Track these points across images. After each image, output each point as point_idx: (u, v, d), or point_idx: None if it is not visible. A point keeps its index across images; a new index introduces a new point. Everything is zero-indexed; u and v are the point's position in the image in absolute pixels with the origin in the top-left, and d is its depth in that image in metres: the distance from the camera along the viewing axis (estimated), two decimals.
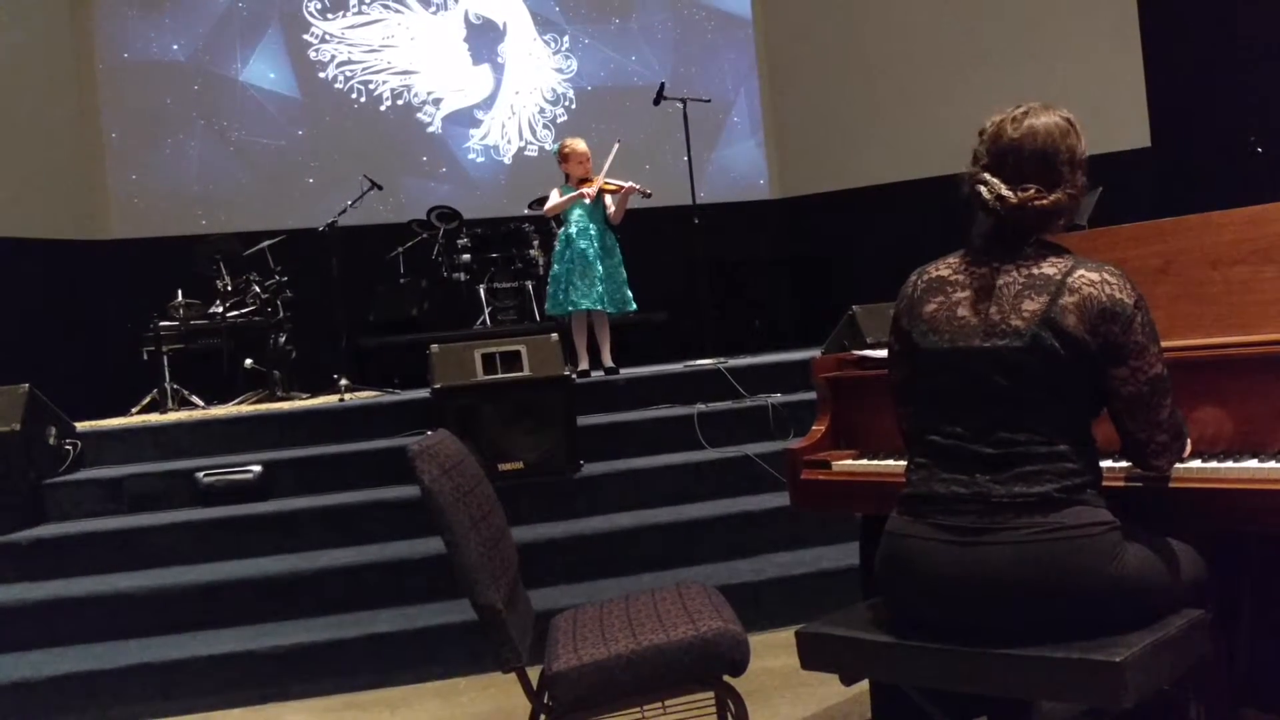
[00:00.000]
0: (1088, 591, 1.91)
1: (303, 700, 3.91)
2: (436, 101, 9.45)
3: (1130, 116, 8.28)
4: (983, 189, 2.06)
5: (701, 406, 5.40)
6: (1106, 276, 1.99)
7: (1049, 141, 2.07)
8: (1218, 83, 7.80)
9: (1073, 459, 1.97)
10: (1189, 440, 2.10)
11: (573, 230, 6.26)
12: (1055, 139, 2.08)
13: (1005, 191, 2.05)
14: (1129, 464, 2.13)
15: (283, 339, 7.04)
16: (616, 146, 6.44)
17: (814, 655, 2.20)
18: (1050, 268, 2.02)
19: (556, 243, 6.43)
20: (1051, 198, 2.05)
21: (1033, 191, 2.04)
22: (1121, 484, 2.13)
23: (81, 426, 5.38)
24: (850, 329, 5.19)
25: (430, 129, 9.44)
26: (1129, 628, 1.92)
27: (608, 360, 6.37)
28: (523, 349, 4.97)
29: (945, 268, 2.14)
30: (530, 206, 8.48)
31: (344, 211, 7.13)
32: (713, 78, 9.85)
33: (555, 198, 6.37)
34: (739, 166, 10.03)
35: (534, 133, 9.69)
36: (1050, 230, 2.11)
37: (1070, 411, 1.99)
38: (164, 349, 6.73)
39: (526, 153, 9.65)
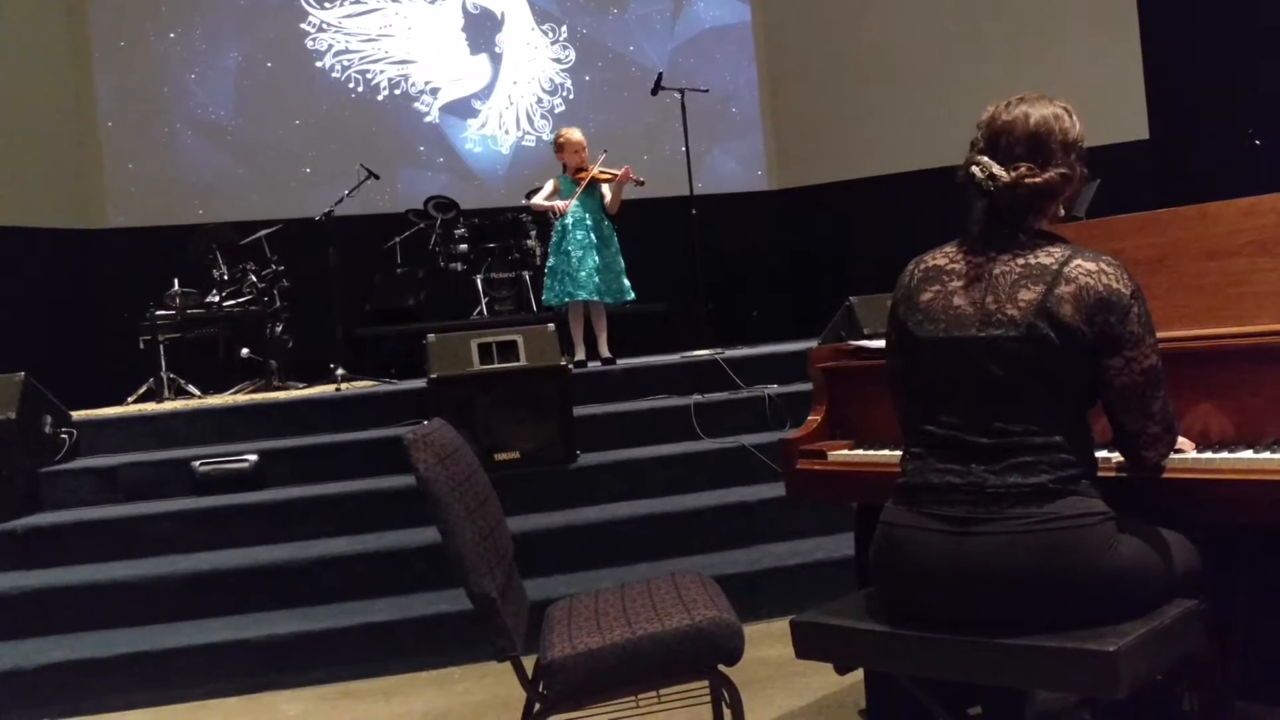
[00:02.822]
0: (1082, 581, 1.91)
1: (298, 689, 3.91)
2: (434, 91, 9.43)
3: (1128, 108, 8.27)
4: (976, 169, 2.07)
5: (698, 397, 5.40)
6: (1104, 266, 1.99)
7: (1042, 122, 2.08)
8: (1216, 75, 7.79)
9: (1068, 449, 1.96)
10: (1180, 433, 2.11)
11: (570, 220, 6.26)
12: (1049, 120, 2.08)
13: (998, 170, 2.05)
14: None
15: (279, 328, 7.04)
16: (603, 156, 6.41)
17: (809, 645, 2.21)
18: (1047, 257, 2.02)
19: (554, 233, 6.43)
20: (1044, 176, 2.05)
21: (1024, 169, 2.04)
22: (1116, 474, 2.13)
23: (77, 415, 5.38)
24: (847, 320, 5.20)
25: (428, 119, 9.42)
26: (1123, 618, 1.92)
27: (604, 351, 6.37)
28: (519, 339, 4.96)
29: (942, 257, 2.14)
30: (527, 197, 8.46)
31: (341, 201, 7.12)
32: (711, 69, 9.82)
33: (549, 188, 6.40)
34: (737, 158, 10.00)
35: (531, 123, 9.67)
36: (1045, 213, 2.11)
37: (1066, 402, 1.99)
38: (160, 338, 6.72)
39: (524, 143, 9.63)
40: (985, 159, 2.07)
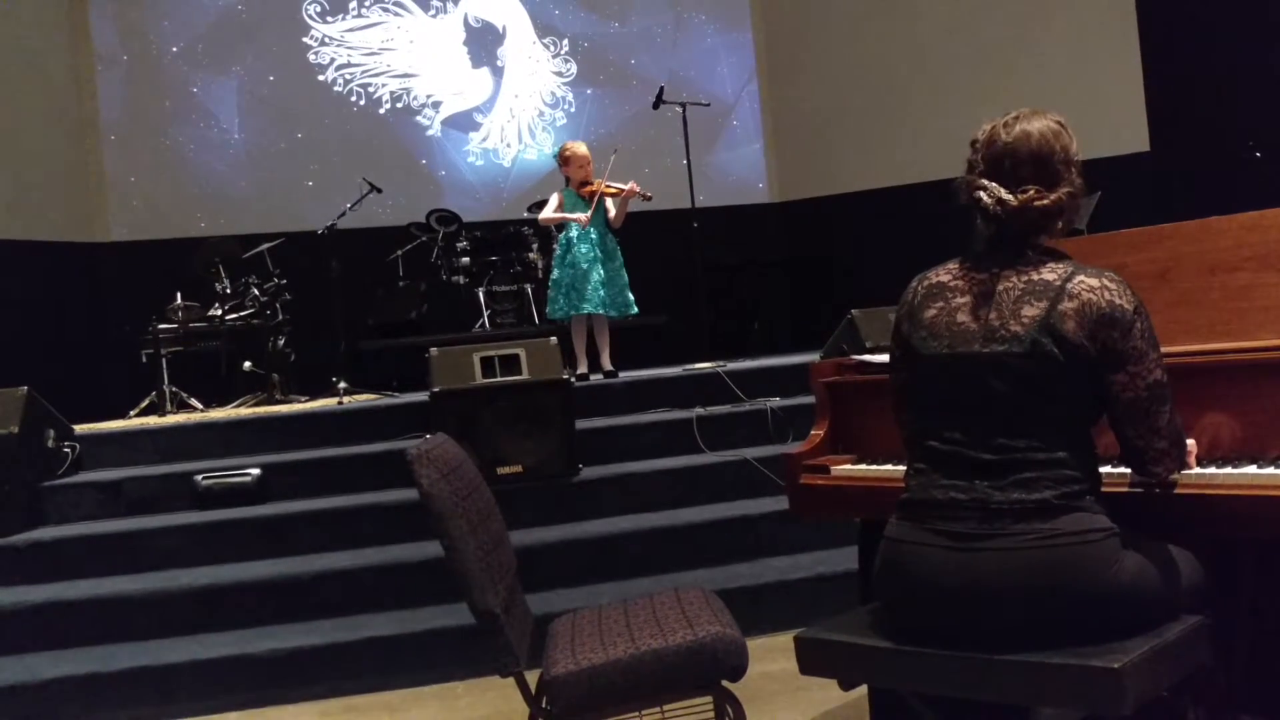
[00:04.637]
0: (1086, 598, 1.91)
1: (300, 704, 3.90)
2: (436, 105, 9.45)
3: (1129, 121, 8.28)
4: (983, 195, 2.06)
5: (700, 410, 5.39)
6: (1106, 282, 1.99)
7: (1043, 142, 2.08)
8: (1216, 87, 7.81)
9: (1072, 465, 1.96)
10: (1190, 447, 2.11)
11: (573, 234, 6.26)
12: (1049, 139, 2.09)
13: (1006, 195, 2.05)
14: (1129, 470, 2.13)
15: (281, 342, 7.04)
16: (614, 155, 6.43)
17: (812, 660, 2.20)
18: (1050, 273, 2.02)
19: (557, 246, 6.44)
20: (1052, 197, 2.05)
21: (1032, 192, 2.04)
22: (1120, 490, 2.13)
23: (80, 429, 5.38)
24: (849, 333, 5.19)
25: (429, 132, 9.44)
26: (1127, 634, 1.92)
27: (607, 364, 6.37)
28: (521, 352, 4.97)
29: (945, 273, 2.15)
30: (530, 210, 8.47)
31: (343, 214, 7.13)
32: (712, 81, 9.86)
33: (554, 202, 6.39)
34: (738, 170, 10.02)
35: (533, 136, 9.69)
36: (1051, 232, 2.11)
37: (1069, 417, 1.99)
38: (163, 351, 6.72)
39: (525, 156, 9.65)
40: (992, 185, 2.06)
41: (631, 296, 6.36)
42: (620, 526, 4.65)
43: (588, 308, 6.19)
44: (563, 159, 6.41)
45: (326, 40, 9.21)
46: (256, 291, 7.07)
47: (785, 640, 2.50)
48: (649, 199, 6.32)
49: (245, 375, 6.92)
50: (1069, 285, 1.99)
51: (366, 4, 9.33)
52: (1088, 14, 8.47)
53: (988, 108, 2.22)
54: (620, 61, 9.84)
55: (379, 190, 7.53)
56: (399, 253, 8.46)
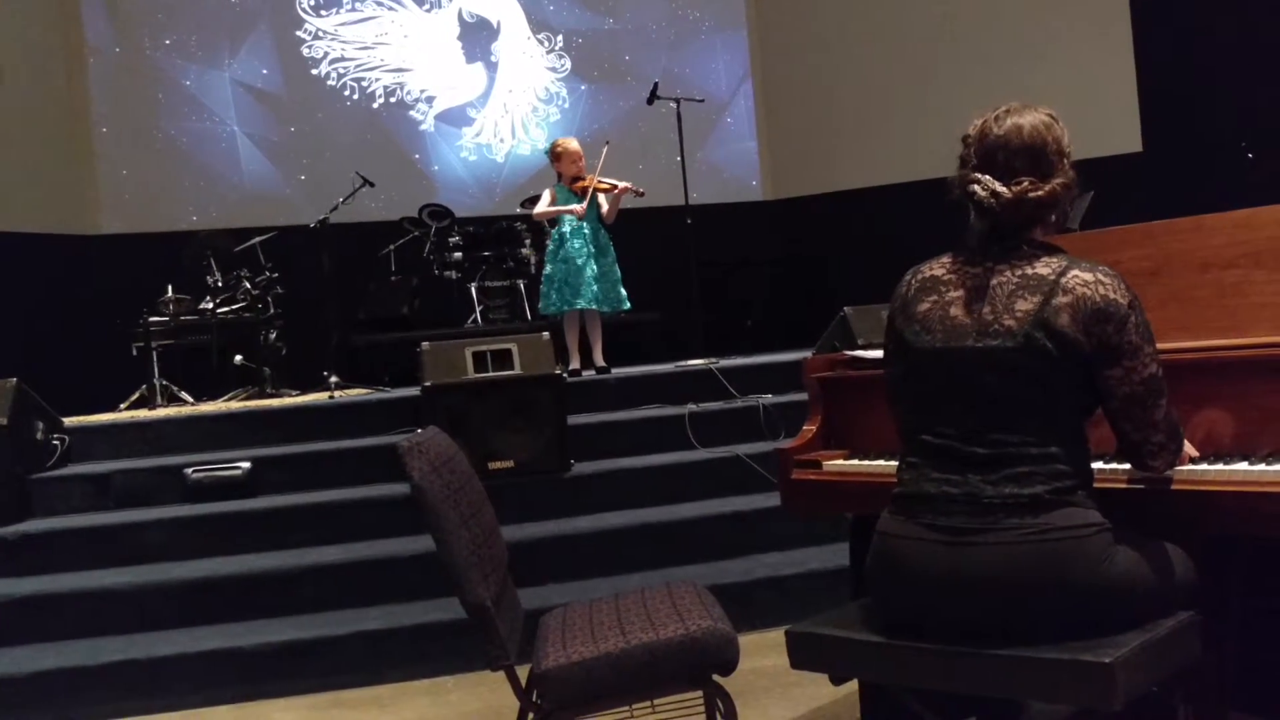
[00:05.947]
0: (1078, 592, 1.91)
1: (290, 698, 3.89)
2: (429, 99, 9.43)
3: (1121, 120, 8.29)
4: (977, 188, 2.06)
5: (693, 406, 5.40)
6: (1100, 277, 1.99)
7: (1035, 134, 2.08)
8: (1209, 87, 7.83)
9: (1064, 460, 1.96)
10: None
11: (566, 229, 6.25)
12: (1041, 131, 2.08)
13: (1000, 187, 2.05)
14: (1120, 465, 2.14)
15: (273, 335, 7.03)
16: (606, 148, 6.42)
17: (804, 655, 2.20)
18: (1044, 268, 2.02)
19: (549, 242, 6.42)
20: (1046, 187, 2.05)
21: (1027, 184, 2.04)
22: (1112, 485, 2.13)
23: (69, 422, 5.35)
24: (841, 330, 5.21)
25: (423, 127, 9.42)
26: (1119, 629, 1.92)
27: (599, 359, 6.36)
28: (514, 347, 4.96)
29: (939, 267, 2.14)
30: (523, 205, 8.46)
31: (335, 208, 7.11)
32: (706, 78, 9.85)
33: (547, 198, 6.37)
34: (732, 167, 10.03)
35: (527, 131, 9.68)
36: (1045, 224, 2.11)
37: (1063, 412, 1.99)
38: (153, 345, 6.70)
39: (519, 151, 9.64)
40: (986, 177, 2.06)
41: (624, 292, 6.35)
42: (612, 522, 4.65)
43: (580, 303, 6.18)
44: (554, 155, 6.40)
45: (320, 34, 9.18)
46: (248, 285, 7.05)
47: (776, 635, 2.50)
48: (641, 194, 6.32)
49: (236, 369, 6.91)
50: (1063, 280, 1.99)
51: None
52: (1081, 14, 8.48)
53: (981, 106, 2.21)
54: (615, 57, 9.83)
55: (371, 184, 7.51)
56: (391, 247, 8.44)
